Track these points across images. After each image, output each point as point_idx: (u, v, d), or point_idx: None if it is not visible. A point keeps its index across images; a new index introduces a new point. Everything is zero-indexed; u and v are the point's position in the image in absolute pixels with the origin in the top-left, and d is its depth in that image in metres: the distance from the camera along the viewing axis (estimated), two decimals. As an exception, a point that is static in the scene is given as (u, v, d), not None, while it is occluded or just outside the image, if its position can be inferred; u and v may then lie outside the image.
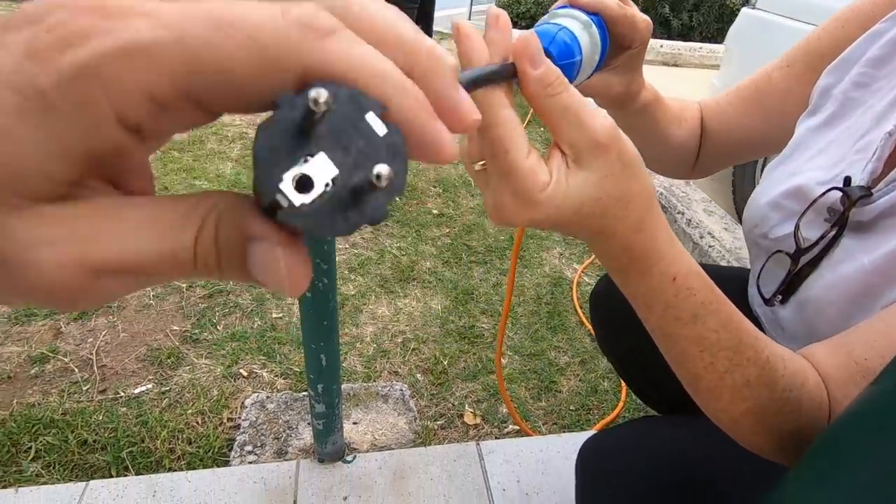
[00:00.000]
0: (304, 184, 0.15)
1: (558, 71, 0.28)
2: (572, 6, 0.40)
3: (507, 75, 0.27)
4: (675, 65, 4.41)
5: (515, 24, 7.50)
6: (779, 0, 1.99)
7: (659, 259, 0.33)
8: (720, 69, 2.34)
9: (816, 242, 0.47)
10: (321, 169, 0.15)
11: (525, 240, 1.85)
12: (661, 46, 4.41)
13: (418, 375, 1.26)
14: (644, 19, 0.46)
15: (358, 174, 0.15)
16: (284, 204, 0.14)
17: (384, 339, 1.35)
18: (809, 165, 0.51)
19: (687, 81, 3.99)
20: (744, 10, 2.19)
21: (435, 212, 1.95)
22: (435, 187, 2.12)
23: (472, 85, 0.25)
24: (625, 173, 0.30)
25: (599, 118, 0.29)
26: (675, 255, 0.34)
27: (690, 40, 6.73)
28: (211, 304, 1.39)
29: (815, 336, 0.47)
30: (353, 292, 1.49)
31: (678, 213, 1.85)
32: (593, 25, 0.39)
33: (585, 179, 0.29)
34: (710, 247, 1.69)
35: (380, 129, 0.15)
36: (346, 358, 1.27)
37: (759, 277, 0.57)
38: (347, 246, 1.68)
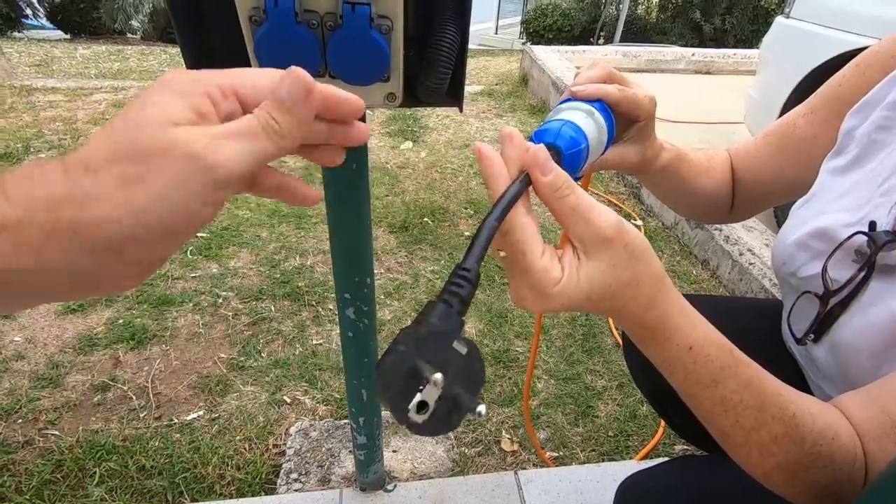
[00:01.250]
0: (420, 406, 0.24)
1: (566, 176, 0.32)
2: (574, 99, 0.45)
3: (524, 186, 0.32)
4: (708, 72, 4.32)
5: (542, 36, 7.51)
6: (813, 9, 1.94)
7: (673, 332, 0.36)
8: (755, 78, 2.29)
9: (845, 285, 0.47)
10: (430, 394, 0.24)
11: (558, 259, 1.85)
12: (693, 55, 4.34)
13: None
14: (646, 96, 0.50)
15: (455, 388, 0.25)
16: (414, 421, 0.25)
17: (420, 364, 1.38)
18: (834, 207, 0.51)
19: (720, 88, 3.90)
20: (778, 18, 2.15)
21: (467, 233, 1.98)
22: (466, 209, 2.15)
23: (504, 213, 0.30)
24: (631, 261, 0.33)
25: (605, 215, 0.32)
26: (690, 326, 0.37)
27: (724, 44, 6.58)
28: (255, 331, 1.45)
29: (849, 379, 0.47)
30: (389, 317, 1.53)
31: (716, 229, 1.81)
32: (596, 112, 0.43)
33: (595, 269, 0.33)
34: (750, 264, 1.64)
35: (462, 349, 0.26)
36: (384, 384, 1.31)
37: (789, 316, 0.57)
38: (383, 271, 1.73)
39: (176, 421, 1.18)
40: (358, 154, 0.57)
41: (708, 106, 3.49)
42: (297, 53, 0.41)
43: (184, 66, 0.45)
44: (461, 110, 0.50)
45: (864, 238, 0.46)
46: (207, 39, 0.47)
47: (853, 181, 0.52)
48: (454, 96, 0.50)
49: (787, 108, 2.02)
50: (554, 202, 0.32)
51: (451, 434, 1.12)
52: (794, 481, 0.38)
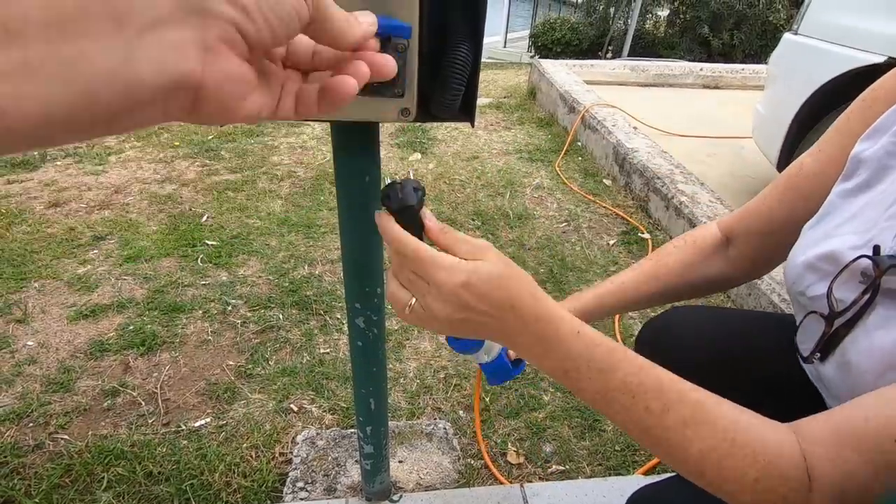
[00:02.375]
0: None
1: (448, 229, 0.46)
2: None
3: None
4: (717, 87, 4.34)
5: (550, 50, 7.58)
6: (822, 25, 1.95)
7: (560, 321, 0.43)
8: (763, 94, 2.30)
9: (850, 307, 0.48)
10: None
11: (564, 272, 1.86)
12: (701, 69, 4.35)
13: (461, 412, 1.28)
14: None
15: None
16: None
17: (427, 374, 1.38)
18: (843, 230, 0.52)
19: (729, 103, 3.91)
20: (786, 35, 2.16)
21: (474, 245, 1.99)
22: (474, 220, 2.16)
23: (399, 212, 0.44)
24: (508, 264, 0.43)
25: (478, 240, 0.45)
26: (569, 316, 0.44)
27: (732, 59, 6.60)
28: (263, 339, 1.46)
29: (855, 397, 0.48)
30: (396, 327, 1.54)
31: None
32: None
33: (488, 265, 0.43)
34: (759, 279, 1.64)
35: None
36: (390, 394, 1.31)
37: (796, 335, 0.58)
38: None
39: (184, 427, 1.18)
40: (371, 165, 0.58)
41: (716, 120, 3.50)
42: None
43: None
44: (473, 125, 0.52)
45: (869, 262, 0.46)
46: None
47: (861, 204, 0.53)
48: (466, 112, 0.51)
49: (794, 124, 2.02)
50: (442, 238, 0.44)
51: (456, 445, 1.12)
52: (724, 474, 0.39)
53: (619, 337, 1.54)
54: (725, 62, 5.14)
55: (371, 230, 0.61)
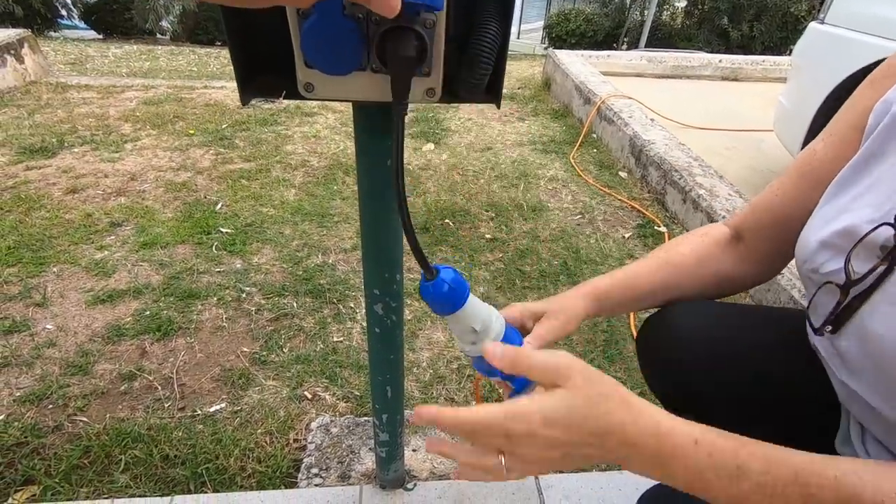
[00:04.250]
0: None
1: (513, 348, 0.44)
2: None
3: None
4: (736, 79, 4.25)
5: (564, 41, 7.48)
6: (850, 14, 1.90)
7: (670, 430, 0.41)
8: (787, 85, 2.25)
9: (867, 274, 0.46)
10: None
11: (579, 265, 1.84)
12: (720, 61, 4.27)
13: (474, 403, 1.27)
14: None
15: None
16: None
17: (440, 364, 1.38)
18: (859, 203, 0.50)
19: (748, 95, 3.83)
20: (812, 24, 2.11)
21: (488, 236, 1.98)
22: (487, 211, 2.14)
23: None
24: (598, 387, 0.41)
25: (553, 354, 0.43)
26: (679, 423, 0.42)
27: (751, 51, 6.47)
28: (277, 327, 1.46)
29: (884, 370, 0.46)
30: (409, 317, 1.54)
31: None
32: (501, 325, 0.54)
33: (563, 395, 0.41)
34: (779, 274, 1.61)
35: None
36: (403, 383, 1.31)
37: (808, 308, 0.56)
38: (404, 271, 1.73)
39: (199, 412, 1.19)
40: (394, 149, 0.57)
41: (735, 113, 3.43)
42: (342, 46, 0.41)
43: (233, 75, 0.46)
44: (499, 106, 0.50)
45: (890, 231, 0.45)
46: (255, 44, 0.48)
47: (875, 177, 0.51)
48: (492, 93, 0.50)
49: (819, 116, 1.97)
50: (514, 370, 0.43)
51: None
52: None
53: (634, 332, 1.53)
54: (744, 54, 5.03)
55: (391, 215, 0.60)
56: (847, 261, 0.49)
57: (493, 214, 2.13)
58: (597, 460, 0.42)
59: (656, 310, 0.69)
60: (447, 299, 0.49)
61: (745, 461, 0.39)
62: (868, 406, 0.50)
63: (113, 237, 1.82)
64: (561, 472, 0.44)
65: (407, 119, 3.08)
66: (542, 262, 1.85)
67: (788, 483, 0.38)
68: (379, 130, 0.54)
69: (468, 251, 1.88)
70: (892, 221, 0.45)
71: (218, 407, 1.21)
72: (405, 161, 2.52)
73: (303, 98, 0.47)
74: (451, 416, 0.41)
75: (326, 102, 3.29)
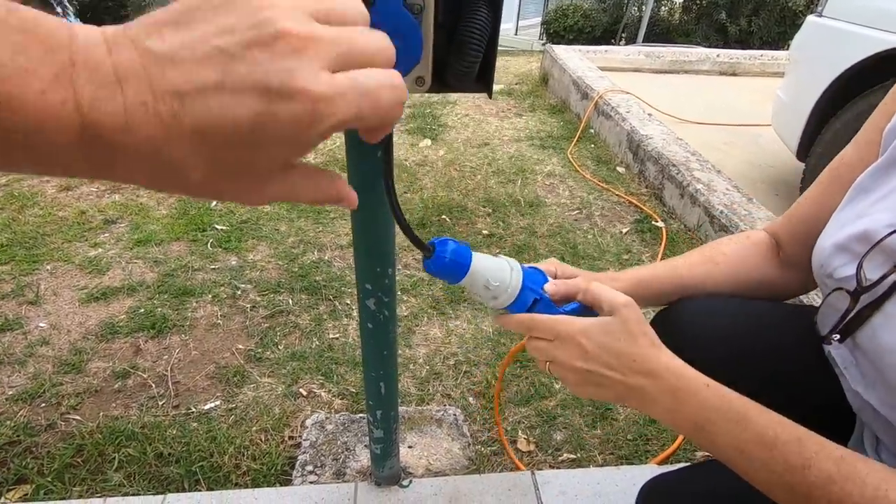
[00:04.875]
0: None
1: (595, 282, 0.53)
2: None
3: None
4: (734, 74, 4.24)
5: (562, 37, 7.45)
6: (848, 7, 1.88)
7: (685, 372, 0.45)
8: (784, 79, 2.24)
9: (878, 282, 0.45)
10: None
11: (576, 260, 1.83)
12: (718, 56, 4.26)
13: (470, 399, 1.26)
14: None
15: None
16: None
17: (436, 361, 1.37)
18: (877, 208, 0.49)
19: (746, 91, 3.82)
20: (809, 18, 2.09)
21: (485, 232, 1.97)
22: (484, 207, 2.13)
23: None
24: (640, 324, 0.48)
25: (620, 294, 0.49)
26: (694, 371, 0.46)
27: (749, 46, 6.45)
28: (272, 324, 1.46)
29: (888, 382, 0.45)
30: (405, 313, 1.53)
31: (740, 231, 1.77)
32: (518, 275, 0.54)
33: (613, 320, 0.48)
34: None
35: None
36: (399, 380, 1.30)
37: (818, 314, 0.55)
38: (400, 267, 1.72)
39: (194, 410, 1.19)
40: (384, 142, 0.56)
41: (733, 108, 3.42)
42: (405, 41, 0.39)
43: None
44: (490, 96, 0.49)
45: None
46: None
47: (895, 183, 0.50)
48: (483, 82, 0.49)
49: (816, 110, 1.96)
50: (592, 292, 0.52)
51: (466, 432, 1.11)
52: None
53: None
54: (742, 49, 5.02)
55: (383, 209, 0.59)
56: (859, 266, 0.48)
57: (491, 210, 2.12)
58: (618, 391, 0.47)
59: (668, 305, 0.68)
60: (452, 269, 0.50)
61: (750, 412, 0.42)
62: (880, 416, 0.49)
63: (107, 234, 1.80)
64: (589, 397, 0.51)
65: (404, 114, 3.07)
66: (540, 257, 1.84)
67: (790, 442, 0.40)
68: (368, 121, 0.53)
69: (465, 247, 1.86)
70: None
71: (212, 405, 1.20)
72: (403, 157, 2.51)
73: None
74: (517, 317, 0.52)
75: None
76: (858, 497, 0.37)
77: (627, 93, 2.98)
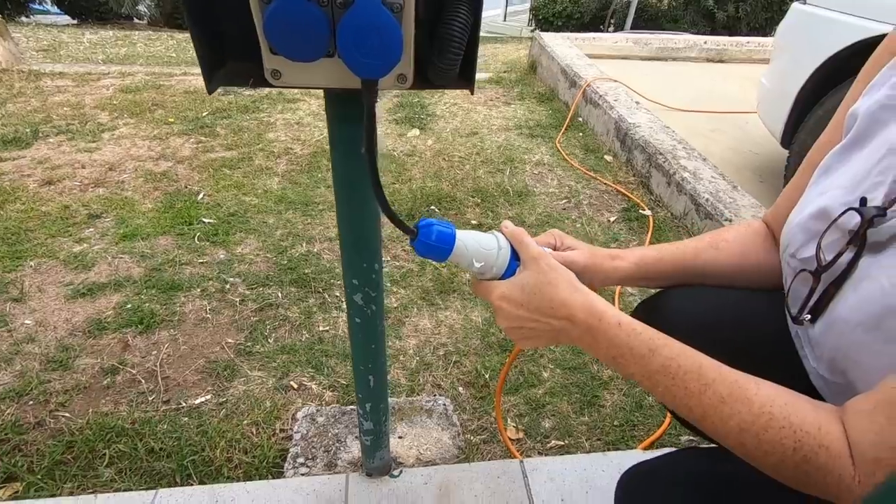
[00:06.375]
0: None
1: (521, 230, 0.56)
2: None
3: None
4: (721, 61, 4.25)
5: (550, 24, 7.41)
6: (832, -6, 1.89)
7: (602, 313, 0.49)
8: (769, 66, 2.25)
9: (834, 260, 0.47)
10: None
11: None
12: (705, 42, 4.26)
13: (460, 389, 1.28)
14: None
15: None
16: None
17: (426, 351, 1.38)
18: (835, 184, 0.51)
19: (733, 78, 3.84)
20: (794, 5, 2.10)
21: (474, 222, 1.97)
22: (473, 197, 2.14)
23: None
24: (551, 271, 0.52)
25: (537, 245, 0.55)
26: (611, 309, 0.50)
27: (736, 33, 6.47)
28: (262, 317, 1.45)
29: (847, 358, 0.47)
30: (395, 304, 1.53)
31: (725, 220, 1.79)
32: (502, 248, 0.56)
33: (527, 274, 0.53)
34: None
35: None
36: (390, 371, 1.31)
37: (787, 296, 0.57)
38: (389, 259, 1.72)
39: (184, 405, 1.19)
40: (368, 136, 0.56)
41: (720, 95, 3.44)
42: (307, 32, 0.40)
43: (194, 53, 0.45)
44: (472, 92, 0.49)
45: (857, 215, 0.46)
46: (219, 27, 0.46)
47: (854, 160, 0.51)
48: (466, 78, 0.49)
49: (800, 97, 1.98)
50: (511, 238, 0.56)
51: (456, 421, 1.12)
52: (764, 448, 0.41)
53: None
54: (730, 35, 5.03)
55: (369, 203, 0.59)
56: (818, 246, 0.49)
57: (479, 200, 2.12)
58: (548, 336, 0.52)
59: (653, 292, 0.69)
60: (437, 249, 0.54)
61: (658, 346, 0.47)
62: (832, 387, 0.50)
63: (91, 229, 1.78)
64: (532, 347, 0.57)
65: (391, 105, 3.04)
66: (528, 247, 1.85)
67: (690, 371, 0.45)
68: (352, 118, 0.53)
69: (454, 238, 1.87)
70: (857, 206, 0.46)
71: (203, 399, 1.20)
72: (391, 147, 2.50)
73: (271, 86, 0.46)
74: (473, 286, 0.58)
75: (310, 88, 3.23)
76: (746, 414, 0.42)
77: (615, 81, 2.98)
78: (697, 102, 3.22)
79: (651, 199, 2.19)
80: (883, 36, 0.57)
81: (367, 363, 0.74)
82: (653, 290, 0.71)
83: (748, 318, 0.62)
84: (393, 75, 0.46)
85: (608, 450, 1.13)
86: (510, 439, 1.16)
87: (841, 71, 1.82)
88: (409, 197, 2.07)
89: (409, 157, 2.43)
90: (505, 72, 3.98)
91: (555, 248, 0.63)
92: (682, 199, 2.01)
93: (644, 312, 0.68)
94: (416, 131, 2.72)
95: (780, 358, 0.61)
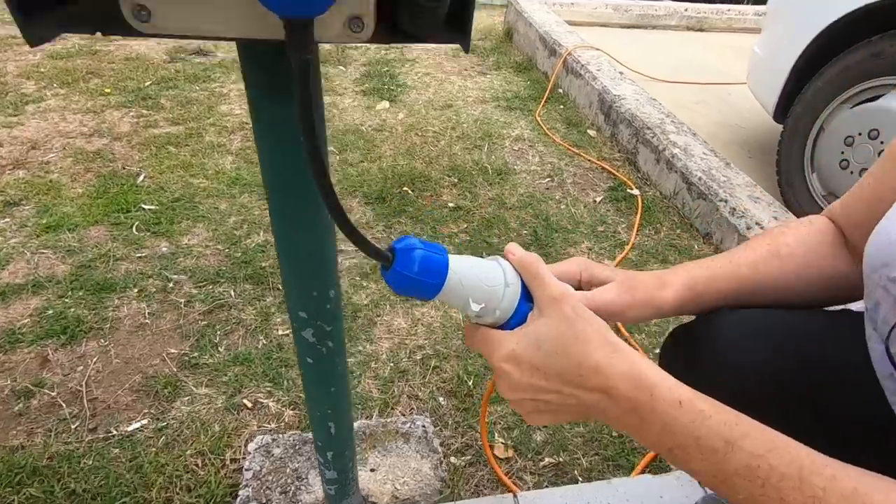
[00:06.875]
0: None
1: (535, 256, 0.41)
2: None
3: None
4: (701, 29, 4.11)
5: None
6: (836, -46, 1.75)
7: (653, 387, 0.35)
8: (762, 34, 2.11)
9: None
10: None
11: (550, 233, 1.70)
12: (686, 10, 4.11)
13: (441, 399, 1.14)
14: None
15: None
16: None
17: (402, 356, 1.23)
18: None
19: (714, 48, 3.71)
20: (791, -34, 1.95)
21: (451, 205, 1.80)
22: (450, 176, 1.96)
23: None
24: (578, 319, 0.37)
25: (557, 283, 0.39)
26: (666, 378, 0.36)
27: (716, 0, 6.33)
28: (211, 321, 1.27)
29: None
30: (365, 302, 1.36)
31: (720, 200, 1.67)
32: (507, 285, 0.40)
33: (544, 323, 0.38)
34: (758, 240, 1.52)
35: None
36: (359, 381, 1.15)
37: (888, 337, 0.43)
38: (357, 249, 1.54)
39: (115, 433, 1.01)
40: (303, 117, 0.38)
41: (701, 65, 3.31)
42: None
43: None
44: (467, 49, 0.32)
45: None
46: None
47: None
48: (457, 28, 0.31)
49: (797, 67, 1.85)
50: (521, 270, 0.41)
51: (437, 446, 0.97)
52: None
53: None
54: (709, 3, 4.89)
55: (316, 216, 0.42)
56: None
57: (456, 180, 1.95)
58: (574, 412, 0.38)
59: (691, 319, 0.54)
60: (421, 284, 0.37)
61: (737, 438, 0.33)
62: None
63: (8, 219, 1.53)
64: (546, 423, 0.40)
65: (358, 73, 2.80)
66: (511, 231, 1.70)
67: (788, 475, 0.32)
68: (280, 88, 0.35)
69: (430, 222, 1.70)
70: None
71: (138, 425, 1.02)
72: (358, 122, 2.28)
73: (132, 33, 0.27)
74: (467, 334, 0.42)
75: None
76: None
77: (597, 49, 2.81)
78: (679, 73, 3.08)
79: (639, 176, 2.05)
80: (889, 1, 0.42)
81: (326, 408, 0.57)
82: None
83: (823, 355, 0.48)
84: (341, 18, 0.28)
85: (608, 465, 1.01)
86: (499, 458, 1.02)
87: (842, 39, 1.69)
88: (380, 177, 1.88)
89: (379, 133, 2.22)
90: (479, 39, 3.75)
91: (580, 284, 0.47)
92: (673, 178, 1.88)
93: (684, 348, 0.53)
94: (385, 104, 2.50)
95: (864, 401, 0.48)
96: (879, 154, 1.58)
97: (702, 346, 0.50)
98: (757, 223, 1.56)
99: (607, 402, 0.36)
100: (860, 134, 1.61)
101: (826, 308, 0.56)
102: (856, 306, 0.58)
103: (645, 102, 2.26)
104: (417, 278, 0.36)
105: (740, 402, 0.45)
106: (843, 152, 1.66)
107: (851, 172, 1.64)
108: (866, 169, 1.65)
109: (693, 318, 0.54)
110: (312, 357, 0.51)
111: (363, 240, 0.34)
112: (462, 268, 0.38)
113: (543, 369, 0.37)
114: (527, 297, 0.41)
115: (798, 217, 1.64)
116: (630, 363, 0.36)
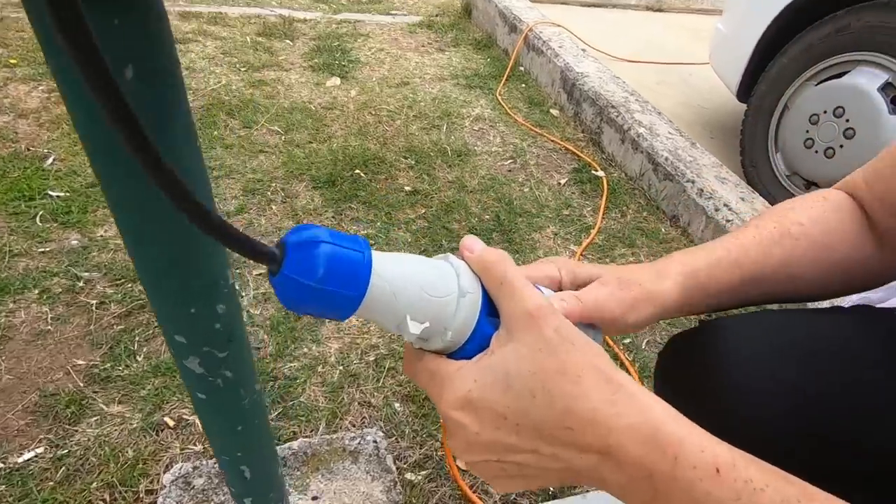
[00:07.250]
0: None
1: (501, 254, 0.29)
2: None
3: None
4: (660, 10, 4.08)
5: None
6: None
7: (677, 442, 0.24)
8: (725, 11, 2.06)
9: None
10: None
11: (513, 218, 1.60)
12: (645, -11, 4.06)
13: (396, 405, 1.02)
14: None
15: None
16: None
17: (352, 357, 1.10)
18: None
19: (674, 28, 3.69)
20: (755, -60, 1.89)
21: (408, 188, 1.67)
22: (406, 158, 1.82)
23: None
24: (563, 344, 0.26)
25: (535, 294, 0.28)
26: (693, 429, 0.25)
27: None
28: (129, 325, 1.10)
29: None
30: (311, 298, 1.22)
31: (687, 181, 1.61)
32: (466, 297, 0.28)
33: (514, 351, 0.27)
34: (727, 221, 1.46)
35: None
36: (304, 389, 1.02)
37: None
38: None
39: (2, 465, 0.84)
40: (162, 71, 0.24)
41: (660, 45, 3.27)
42: None
43: None
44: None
45: None
46: None
47: None
48: None
49: (760, 45, 1.81)
50: (482, 273, 0.29)
51: (390, 464, 0.86)
52: None
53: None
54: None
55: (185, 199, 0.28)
56: None
57: (413, 162, 1.81)
58: (559, 477, 0.27)
59: (692, 327, 0.43)
60: (327, 295, 0.24)
61: None
62: None
63: None
64: (521, 489, 0.34)
65: (307, 48, 2.59)
66: (472, 216, 1.59)
67: None
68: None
69: (385, 208, 1.56)
70: None
71: (31, 454, 0.86)
72: (307, 99, 2.09)
73: None
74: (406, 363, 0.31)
75: (203, 25, 2.68)
76: None
77: (559, 25, 2.71)
78: (641, 53, 3.03)
79: (603, 157, 1.98)
80: None
81: (234, 452, 0.44)
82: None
83: (858, 374, 0.39)
84: None
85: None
86: (463, 471, 0.92)
87: (807, 15, 1.64)
88: (329, 159, 1.72)
89: (329, 111, 2.05)
90: (437, 15, 3.58)
91: (560, 288, 0.36)
92: (638, 158, 1.81)
93: (685, 368, 0.43)
94: (336, 80, 2.32)
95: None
96: (844, 133, 1.56)
97: (707, 362, 0.40)
98: (725, 205, 1.51)
99: (607, 468, 0.25)
100: (825, 112, 1.57)
101: (837, 303, 0.47)
102: (875, 296, 0.49)
103: (608, 80, 2.18)
104: (321, 287, 0.24)
105: (757, 445, 0.35)
106: (807, 131, 1.63)
107: (816, 151, 1.61)
108: (831, 148, 1.64)
109: (694, 321, 0.44)
110: (204, 392, 0.38)
111: (229, 232, 0.21)
112: (393, 271, 0.25)
113: (514, 419, 0.26)
114: (490, 311, 0.29)
115: (764, 198, 1.61)
116: (640, 410, 0.25)
